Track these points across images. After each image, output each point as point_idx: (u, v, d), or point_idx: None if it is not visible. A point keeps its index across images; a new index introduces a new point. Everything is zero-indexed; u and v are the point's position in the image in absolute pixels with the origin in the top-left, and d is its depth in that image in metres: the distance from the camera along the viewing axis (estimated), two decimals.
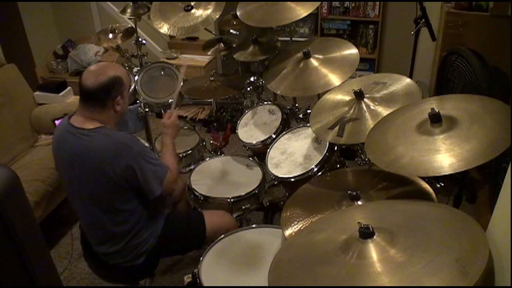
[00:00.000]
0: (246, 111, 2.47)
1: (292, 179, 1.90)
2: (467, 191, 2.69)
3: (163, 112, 2.80)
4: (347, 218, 1.29)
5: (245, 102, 2.68)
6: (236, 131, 2.35)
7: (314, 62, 2.10)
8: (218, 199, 2.02)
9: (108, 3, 4.18)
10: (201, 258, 1.63)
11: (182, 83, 2.47)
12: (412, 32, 2.42)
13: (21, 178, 1.30)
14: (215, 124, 2.72)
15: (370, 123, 1.64)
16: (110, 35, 2.72)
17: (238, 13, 2.34)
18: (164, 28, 2.46)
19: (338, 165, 1.98)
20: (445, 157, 1.20)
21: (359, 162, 1.99)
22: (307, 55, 2.11)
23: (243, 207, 2.03)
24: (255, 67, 2.82)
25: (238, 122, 2.40)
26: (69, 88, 3.14)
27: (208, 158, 2.37)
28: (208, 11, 2.43)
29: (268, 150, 2.12)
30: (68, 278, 2.43)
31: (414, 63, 2.65)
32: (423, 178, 1.54)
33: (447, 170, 1.17)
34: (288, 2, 2.20)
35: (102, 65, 1.74)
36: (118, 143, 1.64)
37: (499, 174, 2.19)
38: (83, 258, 2.03)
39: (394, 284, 0.95)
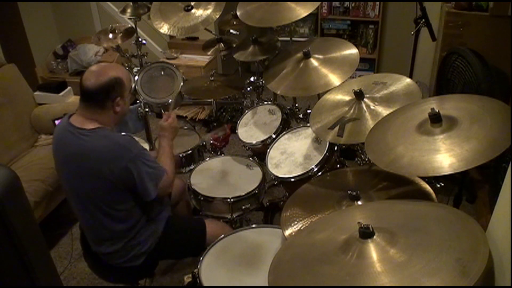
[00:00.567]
0: (246, 111, 2.47)
1: (292, 179, 1.90)
2: (467, 191, 2.69)
3: (163, 112, 2.80)
4: (347, 218, 1.29)
5: (245, 102, 2.68)
6: (236, 131, 2.35)
7: (314, 62, 2.10)
8: (218, 199, 2.02)
9: (108, 3, 4.18)
10: (201, 258, 1.63)
11: (182, 83, 2.47)
12: (412, 32, 2.42)
13: (21, 178, 1.30)
14: (215, 124, 2.72)
15: (370, 123, 1.64)
16: (110, 35, 2.72)
17: (238, 13, 2.34)
18: (164, 28, 2.46)
19: (338, 165, 1.98)
20: (445, 157, 1.20)
21: (359, 162, 1.99)
22: (307, 55, 2.11)
23: (243, 207, 2.03)
24: (255, 67, 2.82)
25: (238, 122, 2.40)
26: (69, 88, 3.14)
27: (208, 158, 2.37)
28: (208, 11, 2.43)
29: (268, 150, 2.12)
30: (68, 278, 2.43)
31: (414, 63, 2.65)
32: (423, 178, 1.54)
33: (447, 170, 1.17)
34: (288, 2, 2.20)
35: (103, 65, 1.74)
36: (116, 145, 1.64)
37: (499, 174, 2.19)
38: (83, 258, 2.03)
39: (394, 284, 0.95)
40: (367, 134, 1.53)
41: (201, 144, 2.40)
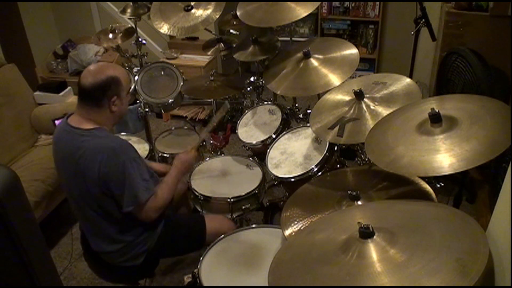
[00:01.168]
0: (246, 111, 2.47)
1: (292, 179, 1.90)
2: (467, 191, 2.69)
3: (163, 112, 2.80)
4: (347, 218, 1.29)
5: (245, 102, 2.68)
6: (236, 131, 2.35)
7: (314, 62, 2.10)
8: (218, 199, 2.02)
9: (108, 3, 4.18)
10: (201, 258, 1.63)
11: (182, 83, 2.47)
12: (412, 32, 2.42)
13: (21, 178, 1.30)
14: (215, 124, 2.72)
15: (370, 123, 1.64)
16: (110, 35, 2.72)
17: (238, 13, 2.34)
18: (164, 28, 2.46)
19: (338, 165, 1.98)
20: (445, 157, 1.20)
21: (359, 162, 1.98)
22: (307, 55, 2.11)
23: (243, 207, 2.03)
24: (255, 67, 2.82)
25: (238, 122, 2.40)
26: (69, 88, 3.14)
27: (208, 158, 2.37)
28: (208, 11, 2.43)
29: (268, 150, 2.12)
30: (68, 278, 2.43)
31: (414, 63, 2.65)
32: (423, 178, 1.54)
33: (447, 170, 1.17)
34: (288, 2, 2.20)
35: (101, 64, 1.74)
36: (108, 148, 1.61)
37: (499, 174, 2.19)
38: (83, 258, 2.03)
39: (394, 284, 0.95)
40: (367, 134, 1.53)
41: (201, 144, 2.40)
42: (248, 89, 2.63)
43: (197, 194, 2.06)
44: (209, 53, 2.78)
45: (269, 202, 2.38)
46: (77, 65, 4.10)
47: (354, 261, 1.05)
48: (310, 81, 2.04)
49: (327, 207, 1.53)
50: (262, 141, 2.20)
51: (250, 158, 2.30)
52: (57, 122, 2.76)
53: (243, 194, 2.01)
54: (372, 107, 1.71)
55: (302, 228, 1.48)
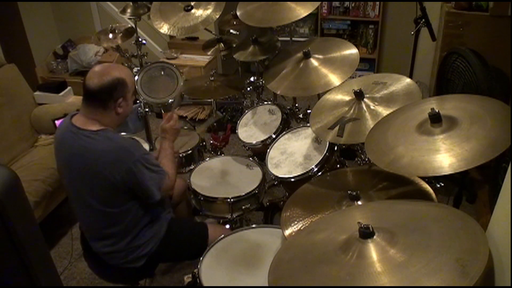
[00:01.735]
0: (246, 111, 2.47)
1: (292, 179, 1.90)
2: (467, 191, 2.69)
3: (163, 112, 2.80)
4: (347, 218, 1.29)
5: (245, 102, 2.68)
6: (236, 131, 2.35)
7: (314, 62, 2.10)
8: (218, 199, 2.02)
9: (108, 3, 4.18)
10: (201, 258, 1.63)
11: (182, 83, 2.47)
12: (412, 32, 2.42)
13: (21, 178, 1.30)
14: (215, 124, 2.72)
15: (370, 123, 1.64)
16: (110, 35, 2.72)
17: (238, 13, 2.34)
18: (164, 28, 2.46)
19: (338, 165, 1.98)
20: (445, 157, 1.20)
21: (359, 162, 1.98)
22: (307, 55, 2.11)
23: (243, 207, 2.03)
24: (255, 67, 2.82)
25: (238, 122, 2.40)
26: (69, 88, 3.14)
27: (208, 158, 2.37)
28: (208, 11, 2.43)
29: (268, 150, 2.12)
30: (68, 278, 2.44)
31: (414, 63, 2.65)
32: (423, 178, 1.54)
33: (447, 170, 1.17)
34: (288, 2, 2.20)
35: (107, 65, 1.73)
36: (120, 148, 1.64)
37: (499, 174, 2.19)
38: (83, 258, 2.03)
39: (394, 284, 0.95)
40: (367, 134, 1.53)
41: (201, 144, 2.40)
42: (248, 89, 2.63)
43: (197, 194, 2.06)
44: (209, 53, 2.77)
45: (269, 202, 2.38)
46: (77, 65, 4.10)
47: (354, 261, 1.05)
48: (310, 81, 2.04)
49: (327, 207, 1.53)
50: (262, 141, 2.20)
51: (250, 158, 2.30)
52: (57, 122, 2.76)
53: (243, 194, 2.01)
54: (372, 107, 1.71)
55: (302, 228, 1.48)
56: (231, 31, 2.80)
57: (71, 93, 3.15)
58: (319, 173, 1.87)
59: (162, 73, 2.65)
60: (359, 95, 1.75)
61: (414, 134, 1.34)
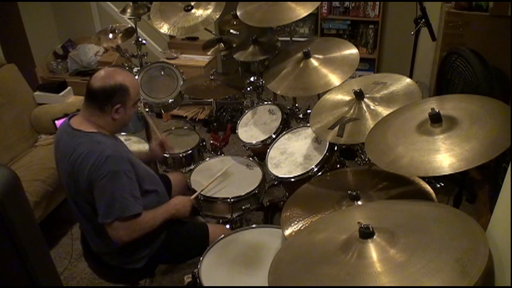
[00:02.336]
0: (246, 111, 2.47)
1: (292, 179, 1.90)
2: (467, 191, 2.69)
3: (163, 112, 2.80)
4: (347, 218, 1.29)
5: (245, 102, 2.68)
6: (236, 131, 2.35)
7: (314, 62, 2.10)
8: (218, 199, 2.02)
9: (108, 3, 4.18)
10: (201, 258, 1.63)
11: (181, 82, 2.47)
12: (412, 32, 2.42)
13: (21, 178, 1.30)
14: (215, 124, 2.72)
15: (370, 123, 1.64)
16: (110, 35, 2.72)
17: (238, 13, 2.34)
18: (164, 28, 2.46)
19: (338, 165, 1.98)
20: (445, 157, 1.20)
21: (359, 162, 1.99)
22: (307, 55, 2.11)
23: (243, 207, 2.03)
24: (255, 67, 2.82)
25: (238, 122, 2.40)
26: (69, 88, 3.14)
27: (208, 158, 2.37)
28: (208, 11, 2.43)
29: (268, 150, 2.12)
30: (68, 278, 2.44)
31: (414, 63, 2.65)
32: (423, 178, 1.54)
33: (447, 170, 1.17)
34: (288, 2, 2.20)
35: (114, 70, 1.71)
36: (101, 154, 1.57)
37: (499, 174, 2.19)
38: (83, 258, 2.03)
39: (394, 284, 0.95)
40: (367, 134, 1.53)
41: (201, 144, 2.39)
42: (248, 89, 2.63)
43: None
44: (209, 53, 2.77)
45: (269, 202, 2.38)
46: (77, 65, 4.10)
47: (354, 261, 1.05)
48: (310, 81, 2.04)
49: (327, 207, 1.53)
50: (262, 141, 2.20)
51: (250, 158, 2.30)
52: (57, 122, 2.76)
53: (243, 194, 2.01)
54: (372, 107, 1.71)
55: (302, 228, 1.48)
56: (231, 31, 2.80)
57: (71, 93, 3.15)
58: (319, 173, 1.87)
59: (162, 73, 2.65)
60: (359, 95, 1.75)
61: (414, 134, 1.34)
